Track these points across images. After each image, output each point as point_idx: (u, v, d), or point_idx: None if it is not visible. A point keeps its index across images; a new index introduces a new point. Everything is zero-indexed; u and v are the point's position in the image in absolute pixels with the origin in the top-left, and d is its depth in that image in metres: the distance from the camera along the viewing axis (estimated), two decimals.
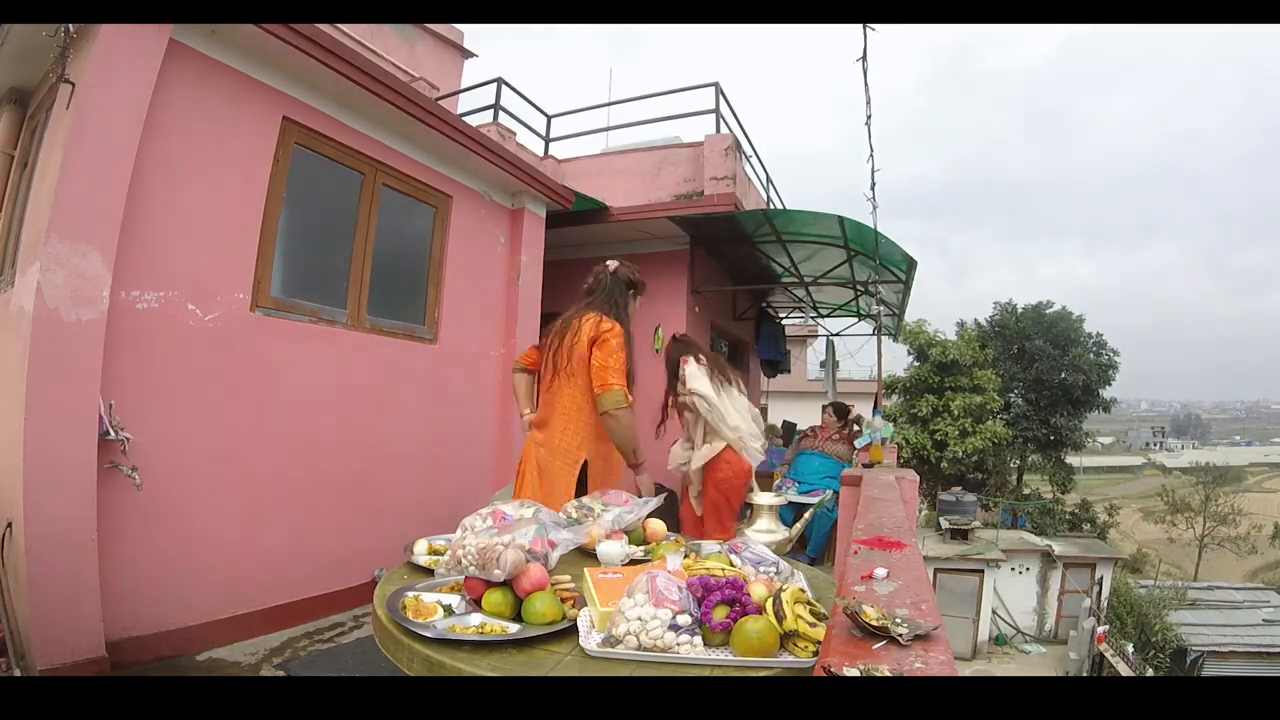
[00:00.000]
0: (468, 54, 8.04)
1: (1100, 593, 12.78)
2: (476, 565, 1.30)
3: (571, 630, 1.21)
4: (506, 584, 1.27)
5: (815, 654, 1.04)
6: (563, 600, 1.29)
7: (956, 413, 15.04)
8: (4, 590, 2.36)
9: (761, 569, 1.41)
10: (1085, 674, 11.10)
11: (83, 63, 2.40)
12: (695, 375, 3.08)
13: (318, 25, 3.02)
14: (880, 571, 1.11)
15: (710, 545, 1.58)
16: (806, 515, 2.33)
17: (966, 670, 10.33)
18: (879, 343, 6.64)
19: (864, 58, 2.82)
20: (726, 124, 6.08)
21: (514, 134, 6.24)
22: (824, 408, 5.63)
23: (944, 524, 12.75)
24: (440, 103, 5.12)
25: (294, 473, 3.20)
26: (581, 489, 2.39)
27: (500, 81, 6.16)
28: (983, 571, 11.88)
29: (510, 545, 1.30)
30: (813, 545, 4.76)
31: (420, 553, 1.68)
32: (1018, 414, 18.17)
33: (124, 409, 2.51)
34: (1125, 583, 14.42)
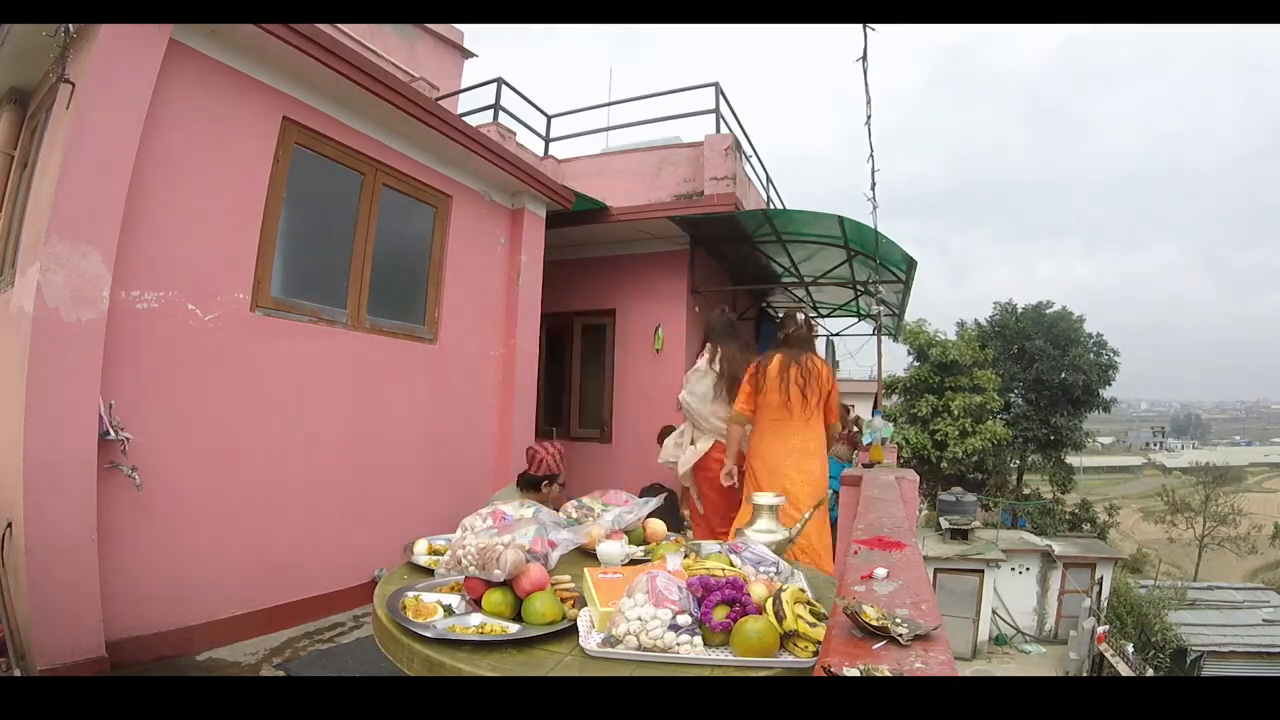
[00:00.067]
0: (468, 54, 8.03)
1: (1100, 593, 12.79)
2: (476, 565, 1.30)
3: (571, 630, 1.21)
4: (506, 584, 1.27)
5: (815, 654, 1.04)
6: (563, 600, 1.29)
7: (956, 413, 15.05)
8: (4, 590, 2.36)
9: (761, 569, 1.41)
10: (1085, 674, 11.10)
11: (83, 63, 2.40)
12: (694, 379, 3.08)
13: (318, 25, 3.02)
14: (880, 571, 1.11)
15: (710, 545, 1.58)
16: (807, 515, 2.33)
17: (966, 670, 10.33)
18: (879, 343, 6.65)
19: (864, 58, 2.81)
20: (726, 124, 6.08)
21: (514, 134, 6.24)
22: None
23: (944, 524, 12.76)
24: (440, 103, 5.11)
25: (294, 473, 3.20)
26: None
27: (500, 81, 6.16)
28: (983, 571, 11.90)
29: (510, 545, 1.30)
30: None
31: (420, 553, 1.68)
32: (1018, 414, 18.19)
33: (124, 409, 2.50)
34: (1125, 583, 14.43)
